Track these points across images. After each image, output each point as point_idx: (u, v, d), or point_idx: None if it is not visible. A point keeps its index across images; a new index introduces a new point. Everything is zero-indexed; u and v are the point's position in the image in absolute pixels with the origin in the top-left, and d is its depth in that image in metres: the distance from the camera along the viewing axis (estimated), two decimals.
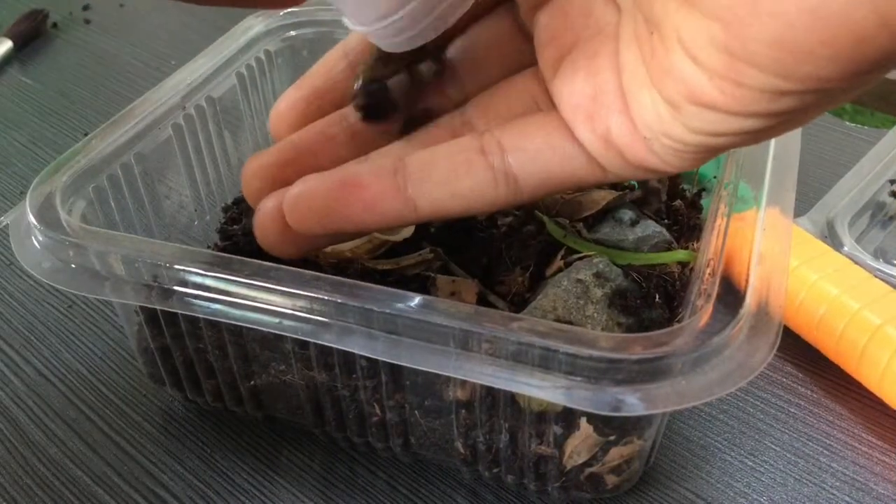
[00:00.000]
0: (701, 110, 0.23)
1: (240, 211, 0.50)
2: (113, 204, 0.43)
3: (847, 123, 0.69)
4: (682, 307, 0.39)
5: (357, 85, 0.32)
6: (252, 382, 0.42)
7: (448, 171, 0.28)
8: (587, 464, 0.37)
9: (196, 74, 0.49)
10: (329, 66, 0.34)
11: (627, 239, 0.43)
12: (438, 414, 0.38)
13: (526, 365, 0.31)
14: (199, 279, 0.35)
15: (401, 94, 0.32)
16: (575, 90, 0.27)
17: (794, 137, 0.42)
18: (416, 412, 0.38)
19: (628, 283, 0.40)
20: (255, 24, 0.53)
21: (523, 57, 0.31)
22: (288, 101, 0.34)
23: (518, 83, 0.31)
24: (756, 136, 0.24)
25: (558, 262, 0.42)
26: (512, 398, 0.36)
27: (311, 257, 0.44)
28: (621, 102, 0.25)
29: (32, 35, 0.84)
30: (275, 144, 0.34)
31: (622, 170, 0.27)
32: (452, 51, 0.32)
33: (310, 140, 0.33)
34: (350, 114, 0.33)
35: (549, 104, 0.29)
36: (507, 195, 0.28)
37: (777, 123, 0.23)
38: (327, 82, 0.34)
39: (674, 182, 0.48)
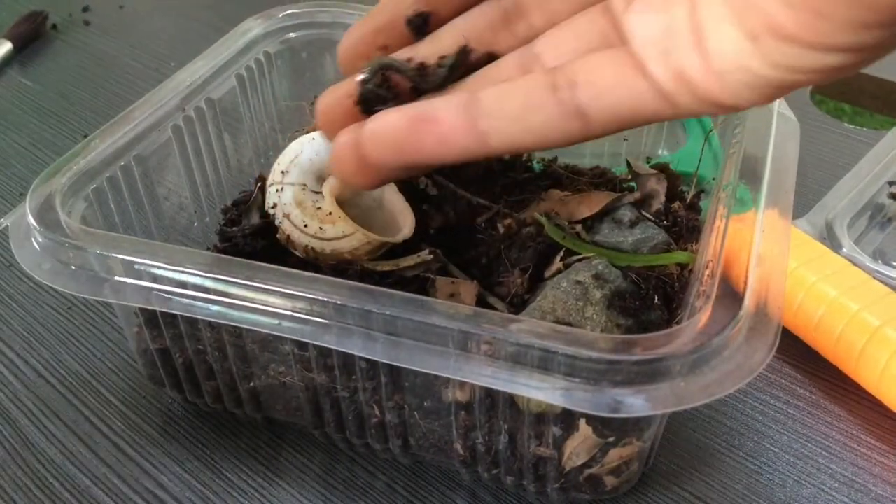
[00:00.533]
0: (781, 44, 0.23)
1: (239, 212, 0.50)
2: (112, 205, 0.44)
3: (846, 125, 0.69)
4: (681, 308, 0.39)
5: (361, 76, 0.32)
6: (251, 384, 0.42)
7: (520, 107, 0.29)
8: (586, 465, 0.37)
9: (196, 76, 0.49)
10: (397, 0, 0.34)
11: (626, 240, 0.43)
12: (437, 415, 0.38)
13: (525, 366, 0.31)
14: (198, 281, 0.35)
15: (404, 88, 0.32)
16: (648, 25, 0.27)
17: (792, 139, 0.42)
18: (415, 413, 0.39)
19: (627, 284, 0.40)
20: (255, 25, 0.54)
21: None
22: (356, 35, 0.34)
23: (587, 19, 0.31)
24: (834, 73, 0.24)
25: (557, 264, 0.42)
26: (511, 399, 0.36)
27: (311, 259, 0.44)
28: (696, 37, 0.25)
29: (32, 37, 0.84)
30: (346, 80, 0.33)
31: (693, 105, 0.27)
32: None
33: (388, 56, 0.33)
34: (419, 48, 0.33)
35: (619, 40, 0.29)
36: (578, 130, 0.28)
37: (856, 60, 0.23)
38: (395, 16, 0.34)
39: (673, 184, 0.48)
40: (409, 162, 0.30)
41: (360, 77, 0.33)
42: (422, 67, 0.32)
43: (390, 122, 0.30)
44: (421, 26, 0.34)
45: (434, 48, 0.33)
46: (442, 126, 0.29)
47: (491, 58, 0.33)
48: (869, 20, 0.21)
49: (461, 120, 0.29)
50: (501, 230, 0.44)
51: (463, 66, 0.32)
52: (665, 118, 0.28)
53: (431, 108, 0.30)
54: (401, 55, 0.33)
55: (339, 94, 0.34)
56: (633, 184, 0.49)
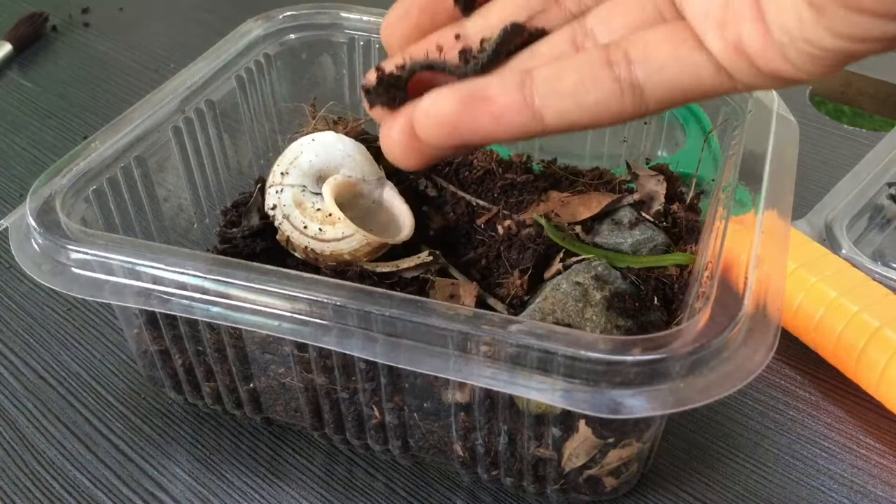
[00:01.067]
0: (848, 13, 0.23)
1: (239, 214, 0.50)
2: (112, 207, 0.44)
3: (845, 126, 0.69)
4: (681, 310, 0.39)
5: (372, 77, 0.32)
6: (251, 385, 0.42)
7: (575, 83, 0.29)
8: (586, 466, 0.37)
9: (195, 78, 0.49)
10: None
11: (626, 242, 0.43)
12: (437, 416, 0.38)
13: (525, 367, 0.31)
14: (198, 282, 0.35)
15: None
16: None
17: (792, 140, 0.42)
18: (414, 414, 0.39)
19: (627, 285, 0.40)
20: (254, 27, 0.54)
21: None
22: (399, 12, 0.34)
23: None
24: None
25: (557, 265, 0.42)
26: (511, 400, 0.36)
27: (311, 260, 0.44)
28: (755, 8, 0.25)
29: (32, 38, 0.84)
30: (391, 58, 0.33)
31: (753, 78, 0.27)
32: None
33: (425, 52, 0.33)
34: (466, 25, 0.33)
35: (673, 14, 0.29)
36: (633, 107, 0.28)
37: None
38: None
39: (672, 185, 0.48)
40: (464, 141, 0.30)
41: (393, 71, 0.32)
42: (464, 56, 0.32)
43: (443, 102, 0.30)
44: (469, 2, 0.33)
45: (482, 25, 0.33)
46: (496, 105, 0.29)
47: (541, 33, 0.32)
48: None
49: (515, 98, 0.29)
50: (501, 231, 0.44)
51: (507, 46, 0.32)
52: (723, 92, 0.28)
53: (485, 87, 0.30)
54: (448, 32, 0.33)
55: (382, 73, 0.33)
56: (632, 185, 0.49)
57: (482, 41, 0.32)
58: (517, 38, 0.32)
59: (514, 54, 0.32)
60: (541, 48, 0.32)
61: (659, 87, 0.28)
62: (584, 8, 0.32)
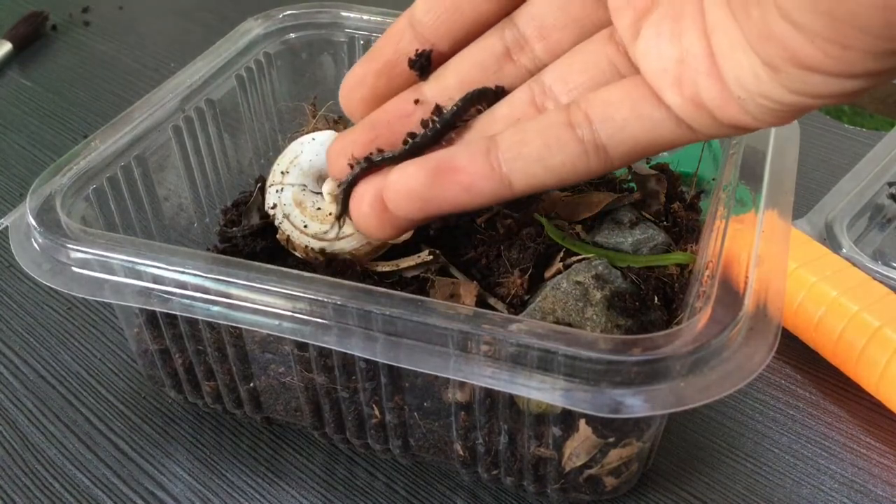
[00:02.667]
0: (803, 73, 0.23)
1: (239, 213, 0.50)
2: (113, 206, 0.44)
3: (846, 126, 0.69)
4: (681, 309, 0.39)
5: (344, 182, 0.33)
6: (251, 384, 0.42)
7: (540, 147, 0.29)
8: (586, 465, 0.37)
9: (195, 77, 0.49)
10: (395, 39, 0.34)
11: (626, 241, 0.43)
12: (437, 416, 0.38)
13: (525, 367, 0.31)
14: (198, 281, 0.35)
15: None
16: (661, 54, 0.27)
17: (792, 140, 0.42)
18: (415, 414, 0.39)
19: (627, 285, 0.40)
20: (254, 26, 0.54)
21: (593, 20, 0.31)
22: (356, 77, 0.34)
23: (593, 47, 0.31)
24: (855, 95, 0.24)
25: (557, 265, 0.42)
26: (511, 400, 0.36)
27: (311, 259, 0.44)
28: (709, 63, 0.25)
29: (32, 37, 0.84)
30: (355, 125, 0.34)
31: (712, 129, 0.27)
32: (520, 18, 0.32)
33: (387, 119, 0.33)
34: (424, 89, 0.33)
35: (629, 67, 0.29)
36: (598, 165, 0.29)
37: (877, 82, 0.23)
38: (395, 55, 0.33)
39: (673, 184, 0.48)
40: (435, 213, 0.30)
41: (345, 182, 0.33)
42: (411, 141, 0.32)
43: (411, 176, 0.30)
44: (424, 66, 0.33)
45: (439, 87, 0.33)
46: (464, 174, 0.29)
47: (499, 93, 0.33)
48: (893, 48, 0.21)
49: (482, 166, 0.29)
50: (501, 231, 0.44)
51: (462, 116, 0.32)
52: (686, 143, 0.28)
53: (452, 157, 0.30)
54: (406, 97, 0.33)
55: (346, 143, 0.33)
56: (632, 184, 0.49)
57: (431, 118, 0.32)
58: (471, 108, 0.32)
59: (468, 120, 0.32)
60: (500, 110, 0.32)
61: (622, 144, 0.28)
62: (539, 64, 0.32)
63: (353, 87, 0.34)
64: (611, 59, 0.30)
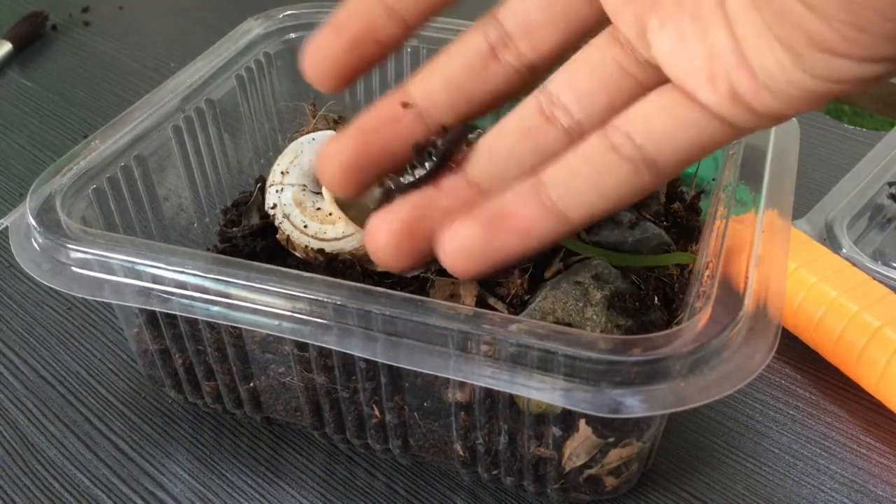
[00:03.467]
0: (825, 57, 0.23)
1: (239, 213, 0.50)
2: (113, 206, 0.44)
3: (846, 125, 0.69)
4: (681, 309, 0.39)
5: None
6: (251, 384, 0.42)
7: (590, 176, 0.28)
8: (586, 465, 0.37)
9: (195, 77, 0.49)
10: (365, 8, 0.31)
11: (626, 241, 0.43)
12: (437, 416, 0.38)
13: (525, 367, 0.31)
14: (198, 281, 0.35)
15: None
16: (689, 55, 0.26)
17: (792, 140, 0.42)
18: (415, 414, 0.39)
19: (627, 285, 0.40)
20: (254, 26, 0.54)
21: (578, 16, 0.30)
22: (323, 53, 0.32)
23: (597, 51, 0.30)
24: (882, 79, 0.24)
25: (557, 265, 0.42)
26: (511, 400, 0.36)
27: (311, 259, 0.44)
28: (738, 56, 0.25)
29: (32, 37, 0.84)
30: (343, 133, 0.33)
31: (752, 122, 0.27)
32: (503, 15, 0.32)
33: (376, 125, 0.32)
34: (411, 90, 0.33)
35: (638, 67, 0.29)
36: (651, 180, 0.28)
37: None
38: (366, 27, 0.31)
39: (672, 184, 0.48)
40: (495, 266, 0.30)
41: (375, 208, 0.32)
42: (418, 149, 0.32)
43: (465, 234, 0.29)
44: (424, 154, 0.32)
45: (425, 90, 0.32)
46: (519, 220, 0.29)
47: (497, 100, 0.32)
48: None
49: (536, 207, 0.29)
50: None
51: (456, 149, 0.32)
52: (729, 141, 0.28)
53: (501, 206, 0.29)
54: (392, 101, 0.33)
55: (336, 155, 0.32)
56: None
57: (427, 151, 0.32)
58: (464, 141, 0.32)
59: (465, 151, 0.32)
60: (509, 124, 0.32)
61: (671, 155, 0.28)
62: (524, 62, 0.32)
63: (320, 61, 0.33)
64: (617, 61, 0.30)
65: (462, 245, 0.30)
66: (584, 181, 0.29)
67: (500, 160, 0.31)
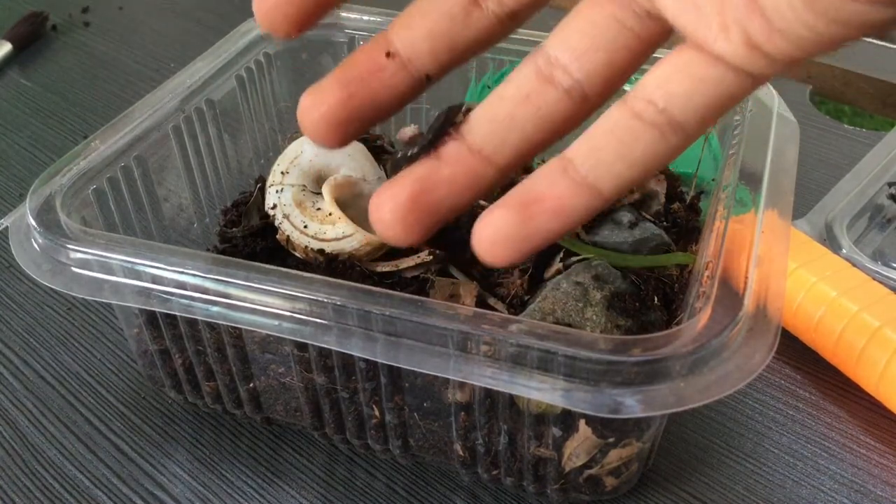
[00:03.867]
0: None
1: (239, 213, 0.50)
2: (112, 206, 0.44)
3: (846, 126, 0.69)
4: (681, 309, 0.39)
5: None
6: (251, 385, 0.42)
7: (616, 146, 0.29)
8: (586, 466, 0.37)
9: (195, 77, 0.49)
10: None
11: (626, 241, 0.43)
12: (437, 416, 0.38)
13: (525, 367, 0.31)
14: (198, 281, 0.35)
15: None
16: (699, 5, 0.27)
17: (792, 140, 0.42)
18: (414, 414, 0.39)
19: (627, 285, 0.40)
20: (254, 27, 0.54)
21: None
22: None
23: (590, 9, 0.30)
24: (885, 26, 0.24)
25: (557, 265, 0.42)
26: (511, 400, 0.36)
27: (311, 259, 0.44)
28: (748, 2, 0.25)
29: (32, 37, 0.84)
30: (323, 82, 0.32)
31: (768, 68, 0.26)
32: None
33: (359, 75, 0.32)
34: (394, 40, 0.32)
35: (637, 21, 0.29)
36: (678, 142, 0.28)
37: None
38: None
39: (672, 184, 0.48)
40: (532, 250, 0.30)
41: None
42: (411, 146, 0.32)
43: (499, 222, 0.29)
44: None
45: (408, 39, 0.32)
46: (551, 200, 0.29)
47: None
48: None
49: (567, 186, 0.29)
50: None
51: (448, 127, 0.32)
52: (749, 92, 0.28)
53: (531, 189, 0.29)
54: (374, 49, 0.32)
55: (319, 106, 0.31)
56: None
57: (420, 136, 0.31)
58: (455, 117, 0.32)
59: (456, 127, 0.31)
60: (507, 90, 0.31)
61: (695, 113, 0.28)
62: (505, 9, 0.32)
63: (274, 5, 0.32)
64: (614, 16, 0.29)
65: (498, 233, 0.30)
66: (611, 153, 0.29)
67: (502, 126, 0.31)
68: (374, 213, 0.31)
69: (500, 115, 0.31)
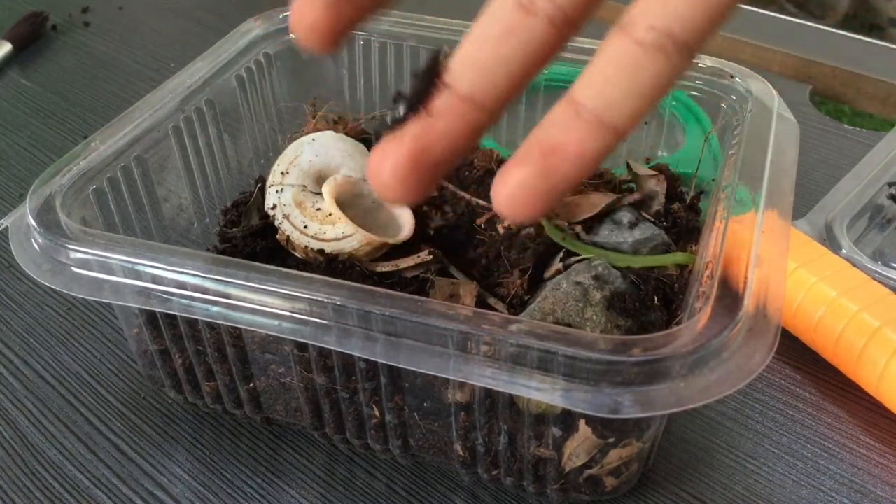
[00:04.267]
0: None
1: (239, 213, 0.50)
2: (112, 206, 0.44)
3: (845, 126, 0.69)
4: (681, 309, 0.39)
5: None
6: (251, 385, 0.42)
7: (624, 79, 0.28)
8: (586, 466, 0.37)
9: (195, 77, 0.49)
10: None
11: (626, 241, 0.43)
12: (437, 416, 0.38)
13: (525, 367, 0.31)
14: (198, 282, 0.35)
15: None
16: None
17: (792, 140, 0.42)
18: (414, 414, 0.39)
19: (627, 285, 0.40)
20: (254, 27, 0.54)
21: None
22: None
23: None
24: None
25: (557, 265, 0.42)
26: (511, 400, 0.36)
27: (311, 259, 0.44)
28: None
29: (32, 38, 0.84)
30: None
31: None
32: None
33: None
34: None
35: None
36: (684, 62, 0.28)
37: None
38: None
39: (672, 184, 0.48)
40: (557, 200, 0.30)
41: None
42: (397, 104, 0.31)
43: (520, 179, 0.29)
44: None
45: None
46: (570, 146, 0.29)
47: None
48: None
49: (582, 128, 0.28)
50: (501, 231, 0.44)
51: (434, 78, 0.31)
52: None
53: (546, 139, 0.29)
54: None
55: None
56: (632, 185, 0.49)
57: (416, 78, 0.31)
58: (438, 67, 0.31)
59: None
60: (487, 30, 0.30)
61: (695, 25, 0.27)
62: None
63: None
64: None
65: (519, 188, 0.29)
66: (619, 87, 0.28)
67: (488, 68, 0.30)
68: (374, 177, 0.30)
69: (483, 57, 0.30)
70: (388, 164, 0.30)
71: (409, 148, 0.30)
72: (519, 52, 0.30)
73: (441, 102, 0.30)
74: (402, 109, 0.31)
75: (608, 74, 0.28)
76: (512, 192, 0.29)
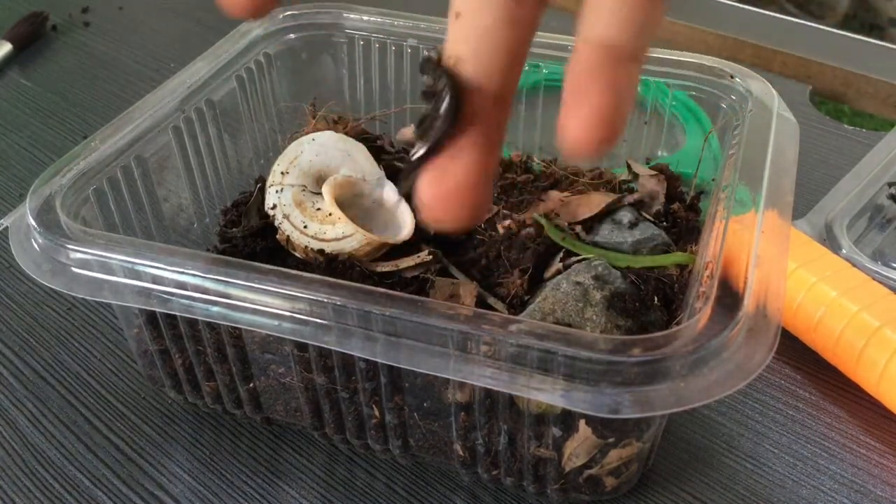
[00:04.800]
0: None
1: (239, 213, 0.50)
2: (112, 206, 0.44)
3: (846, 126, 0.69)
4: (681, 309, 0.39)
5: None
6: (251, 385, 0.42)
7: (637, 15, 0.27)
8: (586, 466, 0.37)
9: (195, 77, 0.49)
10: None
11: (626, 241, 0.43)
12: (437, 416, 0.38)
13: (525, 367, 0.31)
14: (198, 282, 0.35)
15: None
16: None
17: (792, 140, 0.42)
18: (414, 414, 0.39)
19: (627, 285, 0.40)
20: (254, 27, 0.54)
21: None
22: None
23: None
24: None
25: (557, 265, 0.42)
26: (511, 400, 0.36)
27: (311, 259, 0.44)
28: None
29: (32, 38, 0.84)
30: None
31: None
32: None
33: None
34: None
35: None
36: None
37: None
38: None
39: (672, 185, 0.48)
40: (620, 131, 0.28)
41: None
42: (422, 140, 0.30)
43: (589, 109, 0.27)
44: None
45: None
46: (624, 79, 0.27)
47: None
48: None
49: (618, 68, 0.27)
50: (501, 231, 0.44)
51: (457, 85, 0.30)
52: None
53: (585, 85, 0.28)
54: None
55: None
56: (632, 185, 0.49)
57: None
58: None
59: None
60: (482, 20, 0.29)
61: None
62: None
63: None
64: None
65: (592, 117, 0.27)
66: (635, 23, 0.27)
67: (489, 53, 0.29)
68: (427, 210, 0.29)
69: (484, 47, 0.28)
70: (440, 203, 0.29)
71: (455, 183, 0.29)
72: (523, 39, 0.29)
73: (469, 114, 0.29)
74: (423, 146, 0.29)
75: (607, 3, 0.28)
76: (584, 123, 0.27)
